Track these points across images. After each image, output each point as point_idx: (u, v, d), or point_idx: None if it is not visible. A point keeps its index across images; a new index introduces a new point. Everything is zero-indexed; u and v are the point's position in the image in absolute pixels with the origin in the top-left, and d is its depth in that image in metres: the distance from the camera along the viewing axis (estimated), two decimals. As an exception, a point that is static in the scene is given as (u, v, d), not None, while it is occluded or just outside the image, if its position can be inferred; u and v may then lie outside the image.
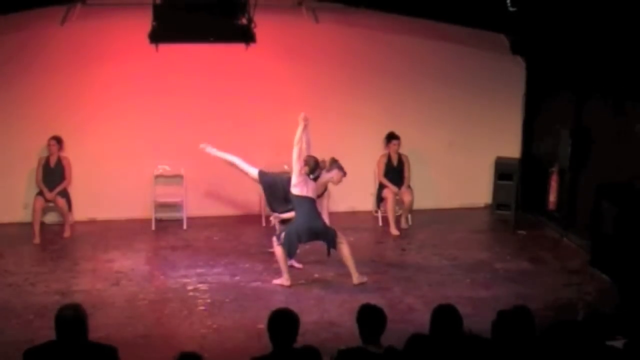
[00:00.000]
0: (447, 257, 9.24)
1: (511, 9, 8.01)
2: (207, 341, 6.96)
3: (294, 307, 5.01)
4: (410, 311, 7.61)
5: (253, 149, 10.37)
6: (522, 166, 10.88)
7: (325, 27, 10.29)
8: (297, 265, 8.75)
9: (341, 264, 8.92)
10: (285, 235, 8.18)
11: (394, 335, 5.06)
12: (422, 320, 6.24)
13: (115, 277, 8.53)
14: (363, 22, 10.37)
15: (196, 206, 10.48)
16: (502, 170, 10.93)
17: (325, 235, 8.28)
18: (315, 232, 8.24)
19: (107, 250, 9.38)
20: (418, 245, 9.68)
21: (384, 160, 10.41)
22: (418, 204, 10.49)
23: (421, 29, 10.34)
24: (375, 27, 10.46)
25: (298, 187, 8.16)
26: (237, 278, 8.52)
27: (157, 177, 10.44)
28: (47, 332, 5.20)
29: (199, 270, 8.71)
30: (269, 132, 10.50)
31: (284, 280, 8.30)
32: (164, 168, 10.40)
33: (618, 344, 4.92)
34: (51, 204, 9.93)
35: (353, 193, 10.75)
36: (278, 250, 8.24)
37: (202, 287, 8.27)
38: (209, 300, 7.93)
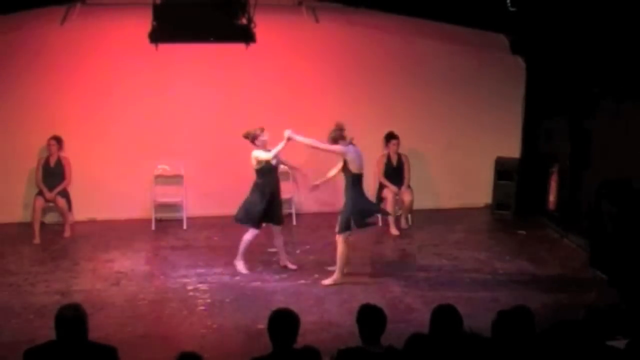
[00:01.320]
0: (447, 257, 9.24)
1: (511, 9, 8.01)
2: (207, 341, 6.95)
3: (294, 307, 5.01)
4: (410, 311, 7.60)
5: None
6: (522, 166, 10.88)
7: (325, 27, 10.29)
8: (291, 266, 8.73)
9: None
10: (346, 220, 8.19)
11: (394, 335, 5.06)
12: (422, 320, 6.24)
13: (115, 277, 8.53)
14: (363, 22, 10.37)
15: (196, 206, 10.48)
16: (502, 170, 10.93)
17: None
18: (369, 210, 8.43)
19: (107, 250, 9.38)
20: (418, 245, 9.68)
21: (384, 160, 10.40)
22: (418, 204, 10.48)
23: (421, 29, 10.33)
24: (375, 27, 10.46)
25: (354, 163, 8.17)
26: (237, 278, 8.52)
27: (157, 177, 10.44)
28: (47, 332, 5.19)
29: (199, 270, 8.71)
30: (268, 132, 10.49)
31: (337, 278, 8.28)
32: (164, 168, 10.40)
33: (618, 344, 4.92)
34: (51, 204, 9.93)
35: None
36: (343, 247, 8.23)
37: (202, 287, 8.27)
38: (209, 300, 7.93)
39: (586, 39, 8.74)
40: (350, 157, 8.17)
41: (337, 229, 8.29)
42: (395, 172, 10.36)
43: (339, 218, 8.32)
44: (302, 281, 8.43)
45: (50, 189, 9.83)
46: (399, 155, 10.42)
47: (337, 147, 8.21)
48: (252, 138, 8.56)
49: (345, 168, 8.27)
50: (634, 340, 4.75)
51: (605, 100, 9.08)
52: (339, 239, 8.24)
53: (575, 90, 9.69)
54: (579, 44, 8.98)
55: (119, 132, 10.35)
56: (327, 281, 8.31)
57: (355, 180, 8.24)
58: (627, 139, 8.57)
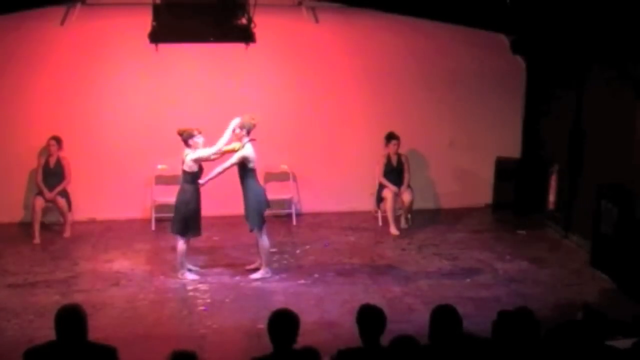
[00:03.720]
0: (447, 257, 9.24)
1: (508, 1, 7.99)
2: (207, 341, 6.95)
3: (294, 307, 5.01)
4: (410, 311, 7.60)
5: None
6: (522, 166, 10.87)
7: (325, 27, 10.29)
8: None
9: (341, 264, 8.95)
10: (258, 217, 8.30)
11: (394, 335, 5.05)
12: (422, 320, 6.23)
13: (115, 277, 8.53)
14: (363, 22, 10.36)
15: (196, 206, 10.46)
16: (502, 170, 10.92)
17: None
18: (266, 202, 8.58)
19: (107, 250, 9.38)
20: (418, 245, 9.67)
21: (384, 160, 10.39)
22: (418, 204, 10.48)
23: (421, 28, 10.31)
24: (375, 27, 10.45)
25: (254, 159, 8.29)
26: (237, 278, 8.52)
27: (157, 177, 10.44)
28: (47, 332, 5.21)
29: (199, 270, 8.70)
30: (268, 132, 10.49)
31: (265, 272, 8.43)
32: (164, 168, 10.39)
33: (618, 343, 4.93)
34: (51, 204, 9.92)
35: (353, 193, 10.76)
36: (266, 241, 8.41)
37: (202, 287, 8.28)
38: (209, 300, 7.93)
39: (586, 39, 8.73)
40: (253, 155, 8.27)
41: (252, 227, 8.36)
42: (395, 172, 10.35)
43: (249, 215, 8.37)
44: (302, 281, 8.43)
45: (50, 189, 9.82)
46: (399, 156, 10.40)
47: (248, 153, 8.23)
48: (187, 136, 8.39)
49: (244, 164, 8.28)
50: None
51: (605, 100, 9.07)
52: (259, 234, 8.35)
53: (574, 90, 9.68)
54: (579, 43, 8.97)
55: (119, 132, 10.35)
56: (256, 275, 8.45)
57: (253, 174, 8.37)
58: (628, 139, 8.56)
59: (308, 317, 6.85)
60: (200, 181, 8.41)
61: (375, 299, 6.86)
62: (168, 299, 8.00)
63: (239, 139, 8.34)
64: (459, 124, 10.96)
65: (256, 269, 8.58)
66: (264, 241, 8.43)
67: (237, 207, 10.61)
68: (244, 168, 8.30)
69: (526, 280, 8.51)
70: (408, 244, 9.76)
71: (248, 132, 8.34)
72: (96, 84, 10.22)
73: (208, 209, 10.44)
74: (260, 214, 8.40)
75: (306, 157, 10.73)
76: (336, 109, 10.72)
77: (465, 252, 9.38)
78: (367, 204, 10.73)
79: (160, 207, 10.42)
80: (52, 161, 9.93)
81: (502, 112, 11.00)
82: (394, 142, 10.32)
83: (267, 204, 8.56)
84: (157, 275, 8.60)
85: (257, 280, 8.43)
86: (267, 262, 8.52)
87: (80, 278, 8.50)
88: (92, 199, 10.37)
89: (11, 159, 10.14)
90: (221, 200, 10.48)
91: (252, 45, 7.74)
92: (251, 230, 8.43)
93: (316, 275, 8.58)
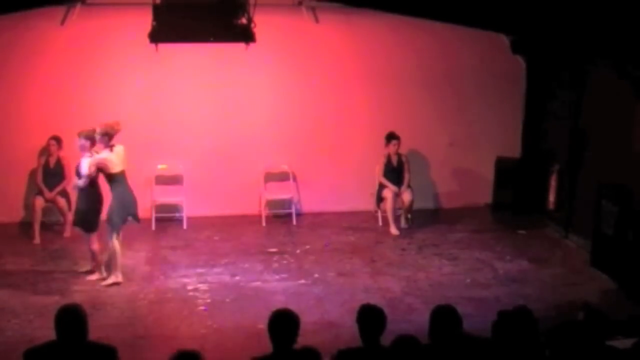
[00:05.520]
0: (447, 257, 9.24)
1: None
2: (207, 341, 6.96)
3: (294, 307, 5.01)
4: (410, 311, 7.61)
5: (253, 148, 10.38)
6: (522, 166, 10.87)
7: (325, 27, 10.29)
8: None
9: (341, 264, 8.95)
10: (118, 218, 8.18)
11: (394, 335, 5.05)
12: (422, 320, 6.23)
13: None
14: (363, 22, 10.36)
15: (196, 206, 10.46)
16: (502, 170, 10.92)
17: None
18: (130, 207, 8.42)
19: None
20: (418, 245, 9.67)
21: (384, 160, 10.38)
22: (418, 204, 10.47)
23: (421, 28, 10.31)
24: (375, 26, 10.45)
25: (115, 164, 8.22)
26: (237, 278, 8.53)
27: (157, 177, 10.44)
28: (47, 332, 5.20)
29: (199, 270, 8.71)
30: (268, 132, 10.51)
31: (117, 277, 8.27)
32: (164, 168, 10.39)
33: (618, 344, 4.93)
34: (51, 204, 9.91)
35: (353, 193, 10.76)
36: (117, 245, 8.25)
37: (202, 287, 8.28)
38: (209, 300, 7.94)
39: (586, 39, 8.73)
40: (114, 160, 8.21)
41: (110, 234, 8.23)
42: (395, 172, 10.34)
43: (108, 215, 8.24)
44: (302, 281, 8.44)
45: (50, 189, 9.82)
46: (399, 155, 10.39)
47: (104, 157, 8.16)
48: (94, 140, 8.25)
49: (104, 171, 8.22)
50: (640, 340, 4.75)
51: (605, 100, 9.08)
52: (115, 241, 8.22)
53: (575, 89, 9.68)
54: (579, 43, 8.97)
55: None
56: (108, 281, 8.27)
57: (120, 178, 8.28)
58: (627, 139, 8.56)
59: (308, 317, 6.84)
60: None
61: (375, 299, 6.86)
62: (168, 299, 8.00)
63: (105, 145, 8.22)
64: (459, 124, 10.96)
65: (92, 271, 8.49)
66: (115, 244, 8.23)
67: (237, 208, 10.68)
68: (107, 174, 8.21)
69: (526, 280, 8.51)
70: (408, 244, 9.76)
71: (110, 139, 8.25)
72: (96, 83, 10.21)
73: (208, 209, 10.52)
74: (122, 217, 8.24)
75: (306, 157, 10.73)
76: (336, 108, 10.71)
77: (465, 252, 9.39)
78: (367, 204, 10.72)
79: (160, 207, 10.43)
80: (52, 161, 9.93)
81: (502, 112, 10.99)
82: (394, 142, 10.31)
83: (135, 215, 8.41)
84: (157, 275, 8.60)
85: (257, 280, 8.43)
86: (118, 266, 8.31)
87: (80, 278, 8.50)
88: (92, 199, 10.34)
89: (11, 159, 10.13)
90: (222, 200, 10.49)
91: (252, 45, 7.73)
92: (89, 231, 8.28)
93: (316, 275, 8.58)
